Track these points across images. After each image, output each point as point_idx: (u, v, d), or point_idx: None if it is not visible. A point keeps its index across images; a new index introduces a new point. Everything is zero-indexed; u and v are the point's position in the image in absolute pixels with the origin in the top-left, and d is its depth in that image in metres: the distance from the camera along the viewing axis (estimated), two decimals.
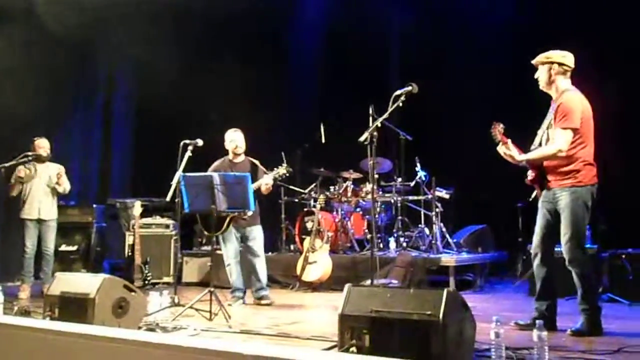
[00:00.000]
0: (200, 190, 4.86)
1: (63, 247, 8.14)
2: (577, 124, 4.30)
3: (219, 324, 4.70)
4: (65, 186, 7.03)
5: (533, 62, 4.55)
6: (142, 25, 9.03)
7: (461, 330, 3.04)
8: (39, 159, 6.96)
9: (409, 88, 4.44)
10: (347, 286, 3.25)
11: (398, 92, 4.44)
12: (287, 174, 5.67)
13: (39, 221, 6.96)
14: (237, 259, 6.05)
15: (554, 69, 4.43)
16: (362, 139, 4.36)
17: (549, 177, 4.47)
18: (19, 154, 6.79)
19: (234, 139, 6.01)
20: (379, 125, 4.33)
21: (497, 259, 8.16)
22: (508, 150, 4.45)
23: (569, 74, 4.49)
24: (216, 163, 6.04)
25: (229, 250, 5.99)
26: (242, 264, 6.11)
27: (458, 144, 8.67)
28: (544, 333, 3.19)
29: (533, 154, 4.44)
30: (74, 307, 4.03)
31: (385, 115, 4.37)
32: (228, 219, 5.54)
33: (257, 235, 5.99)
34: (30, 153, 6.82)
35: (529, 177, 4.59)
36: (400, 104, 4.37)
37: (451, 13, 9.13)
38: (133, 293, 4.18)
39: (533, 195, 4.74)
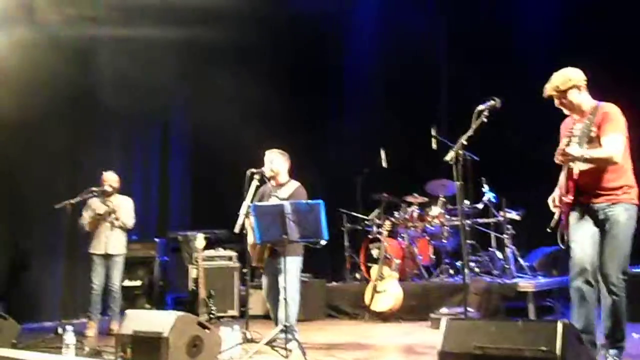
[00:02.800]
0: (272, 220, 4.66)
1: (126, 283, 8.06)
2: (626, 132, 3.95)
3: None
4: (123, 220, 6.87)
5: (546, 95, 4.13)
6: (196, 58, 9.11)
7: None
8: (105, 194, 6.89)
9: (492, 102, 4.17)
10: (444, 320, 2.98)
11: (481, 107, 4.17)
12: None
13: (106, 256, 6.83)
14: (271, 294, 5.40)
15: (577, 91, 4.07)
16: (447, 158, 4.09)
17: (596, 192, 3.98)
18: (79, 189, 6.76)
19: (266, 160, 5.50)
20: (464, 142, 4.05)
21: None
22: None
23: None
24: (260, 189, 5.54)
25: (263, 284, 5.50)
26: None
27: (525, 162, 8.30)
28: None
29: (593, 153, 3.92)
30: (147, 347, 3.86)
31: (470, 133, 4.10)
32: (260, 250, 5.17)
33: (289, 267, 5.10)
34: (94, 188, 6.76)
35: (568, 200, 4.02)
36: (485, 120, 4.10)
37: (512, 24, 8.77)
38: (207, 330, 3.99)
39: (556, 220, 4.14)
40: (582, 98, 4.09)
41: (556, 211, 4.13)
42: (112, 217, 6.82)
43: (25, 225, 7.84)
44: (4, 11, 6.10)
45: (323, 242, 4.85)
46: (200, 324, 3.99)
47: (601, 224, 3.96)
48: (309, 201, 4.81)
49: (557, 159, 3.96)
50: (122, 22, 8.14)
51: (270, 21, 9.24)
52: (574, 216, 4.08)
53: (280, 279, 5.09)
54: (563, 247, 4.09)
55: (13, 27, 6.56)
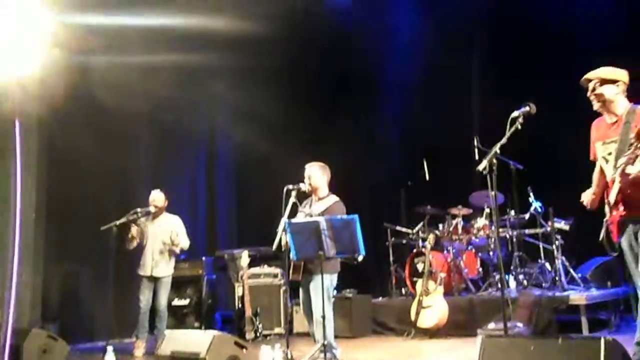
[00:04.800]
0: (307, 237, 4.63)
1: (175, 302, 8.17)
2: None
3: None
4: (182, 245, 6.98)
5: (583, 80, 4.06)
6: (241, 77, 9.23)
7: None
8: (150, 214, 7.00)
9: (527, 108, 4.04)
10: (480, 337, 2.88)
11: (515, 114, 4.04)
12: None
13: (153, 278, 6.93)
14: (306, 310, 5.33)
15: (616, 88, 3.98)
16: (480, 167, 3.97)
17: None
18: (129, 210, 6.87)
19: (305, 175, 5.47)
20: (498, 151, 3.94)
21: (630, 294, 7.36)
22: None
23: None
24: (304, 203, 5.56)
25: (300, 300, 5.43)
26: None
27: (573, 169, 8.01)
28: None
29: None
30: None
31: (504, 141, 3.97)
32: (297, 265, 5.09)
33: (319, 284, 4.95)
34: (139, 209, 6.87)
35: (620, 213, 3.88)
36: (519, 127, 3.99)
37: (557, 23, 8.48)
38: (244, 350, 4.00)
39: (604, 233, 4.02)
40: (618, 97, 3.98)
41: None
42: (172, 246, 6.91)
43: (76, 247, 8.02)
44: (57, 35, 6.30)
45: (360, 258, 4.80)
46: (237, 344, 3.99)
47: None
48: (344, 216, 4.78)
49: (618, 181, 3.79)
50: (172, 49, 8.35)
51: (307, 41, 9.33)
52: (626, 240, 3.93)
53: (312, 295, 5.07)
54: (615, 254, 3.98)
55: (67, 50, 6.75)
